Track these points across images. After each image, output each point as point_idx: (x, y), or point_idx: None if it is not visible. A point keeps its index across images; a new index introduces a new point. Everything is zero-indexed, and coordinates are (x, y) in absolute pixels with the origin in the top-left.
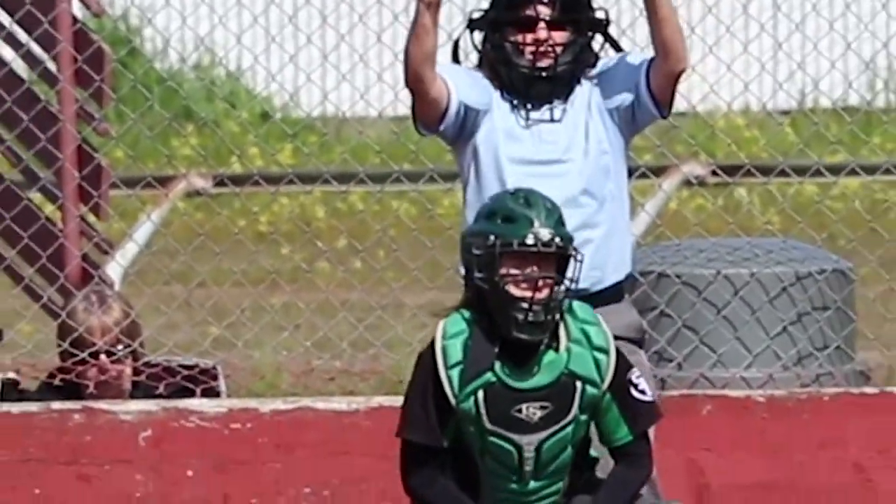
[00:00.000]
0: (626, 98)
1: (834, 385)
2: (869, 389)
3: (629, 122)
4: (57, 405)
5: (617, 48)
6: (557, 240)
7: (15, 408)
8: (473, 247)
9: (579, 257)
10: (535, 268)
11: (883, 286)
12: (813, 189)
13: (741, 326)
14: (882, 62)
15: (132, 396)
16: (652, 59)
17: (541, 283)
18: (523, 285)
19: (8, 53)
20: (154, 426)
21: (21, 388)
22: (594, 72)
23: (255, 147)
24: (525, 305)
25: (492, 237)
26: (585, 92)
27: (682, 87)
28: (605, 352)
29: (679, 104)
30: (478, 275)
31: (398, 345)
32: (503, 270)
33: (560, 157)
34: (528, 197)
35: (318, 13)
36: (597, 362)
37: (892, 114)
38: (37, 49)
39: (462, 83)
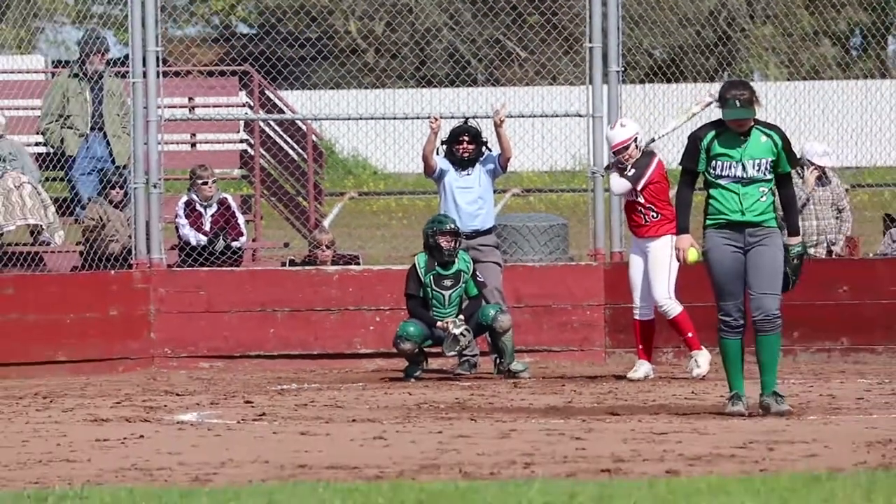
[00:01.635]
0: (491, 166)
1: (561, 262)
2: (572, 263)
3: (493, 175)
4: (307, 268)
5: (489, 149)
6: (453, 227)
7: (293, 268)
8: (429, 230)
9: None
10: (448, 237)
11: (577, 230)
12: (554, 197)
13: (531, 241)
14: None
15: (332, 264)
16: (499, 154)
17: (452, 241)
18: (444, 243)
19: (291, 151)
20: (339, 275)
21: (295, 262)
22: (482, 159)
23: (371, 182)
24: (448, 251)
25: (435, 226)
26: (480, 164)
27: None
28: (469, 262)
29: (511, 169)
30: (430, 240)
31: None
32: (440, 238)
33: (471, 185)
34: (445, 215)
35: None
36: (467, 266)
37: (581, 171)
38: (299, 150)
39: (440, 161)
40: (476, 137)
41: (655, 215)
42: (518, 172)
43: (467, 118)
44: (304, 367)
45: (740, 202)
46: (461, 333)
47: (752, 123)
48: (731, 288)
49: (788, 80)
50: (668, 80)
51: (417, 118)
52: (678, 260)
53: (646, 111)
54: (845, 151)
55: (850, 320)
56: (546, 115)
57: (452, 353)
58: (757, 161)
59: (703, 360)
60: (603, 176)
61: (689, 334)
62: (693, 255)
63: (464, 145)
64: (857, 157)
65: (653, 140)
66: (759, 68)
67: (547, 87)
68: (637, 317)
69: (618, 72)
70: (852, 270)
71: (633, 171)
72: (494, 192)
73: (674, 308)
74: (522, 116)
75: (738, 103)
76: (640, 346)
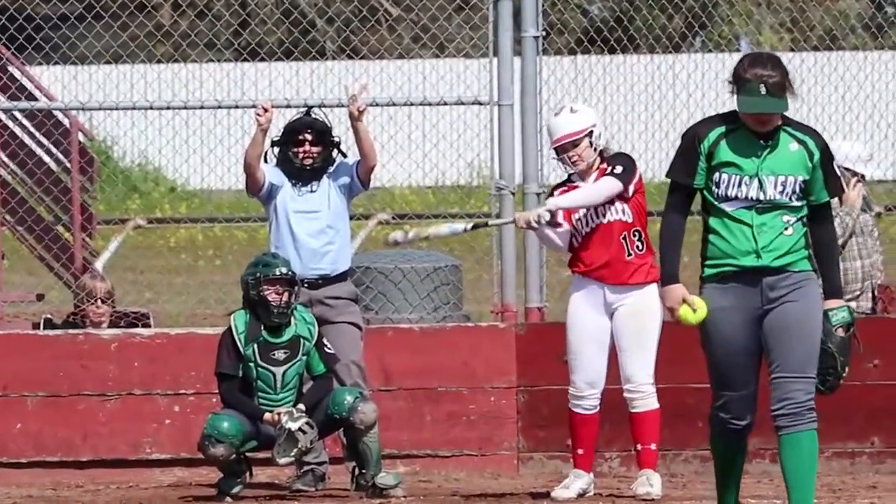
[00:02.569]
0: (346, 180)
1: (452, 321)
2: (469, 324)
3: (349, 192)
4: (71, 331)
5: (343, 154)
6: (287, 271)
7: (51, 332)
8: (251, 277)
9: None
10: (280, 287)
11: (476, 273)
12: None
13: (407, 293)
14: (476, 162)
15: (108, 327)
16: (359, 161)
17: (285, 292)
18: (274, 296)
19: (46, 157)
20: (118, 342)
21: (54, 323)
22: (332, 168)
23: (167, 204)
24: (279, 308)
25: (260, 271)
26: (330, 177)
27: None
28: (313, 325)
29: (375, 182)
30: (252, 292)
31: (236, 304)
32: (267, 289)
33: (317, 208)
34: (275, 254)
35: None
36: (309, 330)
37: (481, 188)
38: (59, 156)
39: (269, 172)
40: (323, 136)
41: (641, 247)
42: (388, 188)
43: (310, 107)
44: (67, 479)
45: (754, 238)
46: (300, 430)
47: (780, 122)
48: (737, 373)
49: (792, 50)
50: (613, 51)
51: (237, 107)
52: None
53: (579, 96)
54: (875, 156)
55: (883, 410)
56: (429, 104)
57: (288, 459)
58: (781, 179)
59: (656, 481)
60: (541, 193)
61: (654, 446)
62: (690, 312)
63: (305, 147)
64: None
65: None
66: (749, 33)
67: (430, 60)
68: (578, 408)
69: (536, 38)
70: (887, 335)
71: (618, 167)
72: (352, 217)
73: (653, 399)
74: (393, 105)
75: (763, 88)
76: (579, 451)
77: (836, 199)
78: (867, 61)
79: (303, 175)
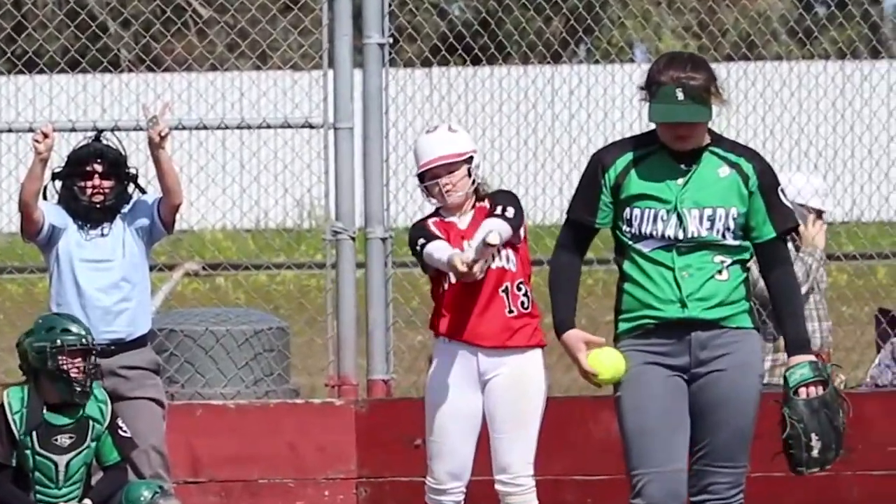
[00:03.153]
0: (145, 222)
1: (276, 397)
2: (299, 400)
3: (148, 237)
4: None
5: (142, 190)
6: (86, 338)
7: None
8: (40, 346)
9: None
10: (80, 359)
11: (307, 337)
12: (264, 278)
13: (220, 362)
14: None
15: None
16: (161, 198)
17: (85, 364)
18: (75, 370)
19: None
20: None
21: None
22: (127, 207)
23: None
24: (80, 383)
25: (55, 339)
26: (125, 218)
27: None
28: (105, 403)
29: (181, 225)
30: (49, 363)
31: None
32: (64, 361)
33: (108, 257)
34: (69, 315)
35: None
36: (101, 410)
37: (313, 231)
38: None
39: (50, 211)
40: (116, 167)
41: (527, 304)
42: (197, 232)
43: (100, 131)
44: None
45: (677, 284)
46: None
47: (708, 141)
48: (658, 446)
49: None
50: (477, 61)
51: (10, 131)
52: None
53: (435, 116)
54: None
55: None
56: (248, 127)
57: None
58: (708, 211)
59: None
60: (388, 238)
61: None
62: (600, 361)
63: (94, 181)
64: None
65: None
66: (646, 39)
67: (250, 72)
68: None
69: (381, 45)
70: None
71: (510, 210)
72: (153, 268)
73: (531, 495)
74: (204, 128)
75: (680, 92)
76: None
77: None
78: (792, 73)
79: (91, 215)
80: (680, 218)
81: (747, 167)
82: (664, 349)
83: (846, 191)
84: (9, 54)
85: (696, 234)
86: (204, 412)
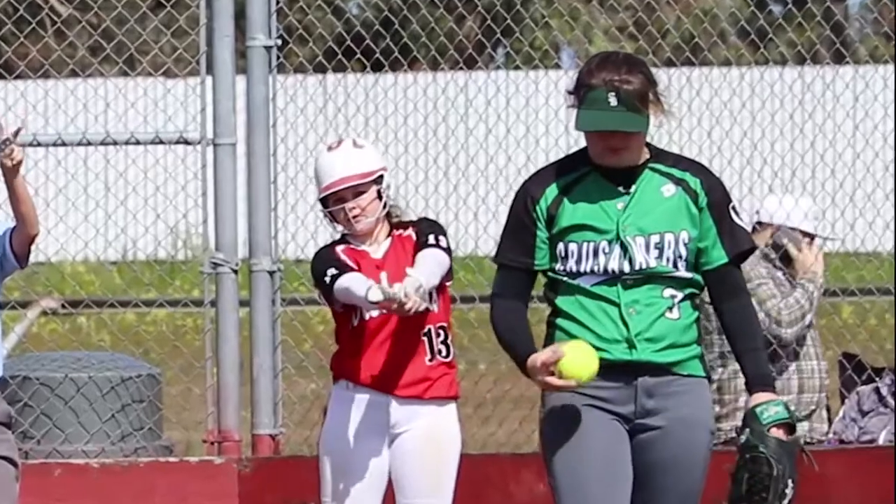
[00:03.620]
0: None
1: (147, 455)
2: (172, 459)
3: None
4: None
5: None
6: None
7: None
8: None
9: None
10: None
11: (182, 386)
12: (132, 317)
13: (82, 414)
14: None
15: None
16: (14, 227)
17: None
18: None
19: None
20: None
21: None
22: None
23: None
24: None
25: None
26: None
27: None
28: None
29: (37, 256)
30: None
31: None
32: None
33: None
34: None
35: None
36: None
37: (190, 264)
38: None
39: None
40: None
41: (446, 352)
42: (55, 264)
43: None
44: None
45: (623, 322)
46: None
47: (645, 156)
48: (595, 496)
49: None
50: (379, 66)
51: None
52: (551, 384)
53: (329, 132)
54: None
55: None
56: (113, 142)
57: None
58: (655, 238)
59: None
60: (276, 272)
61: None
62: (580, 366)
63: None
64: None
65: None
66: (574, 41)
67: (116, 79)
68: None
69: (269, 48)
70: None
71: (440, 238)
72: (4, 305)
73: None
74: (63, 144)
75: (612, 97)
76: None
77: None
78: (743, 81)
79: None
80: (624, 248)
81: (694, 182)
82: (606, 393)
83: (805, 216)
84: None
85: (644, 266)
86: (63, 472)
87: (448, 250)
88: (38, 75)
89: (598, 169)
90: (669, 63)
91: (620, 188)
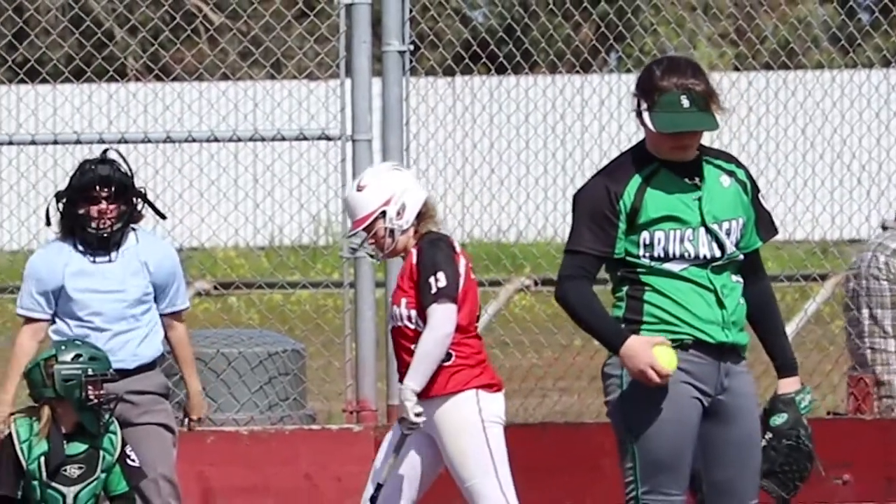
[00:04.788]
0: (155, 278)
1: (292, 423)
2: (315, 426)
3: (150, 285)
4: None
5: (154, 209)
6: (111, 369)
7: None
8: (63, 379)
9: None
10: (102, 388)
11: (323, 360)
12: (278, 297)
13: (233, 386)
14: (323, 215)
15: None
16: (169, 320)
17: (101, 391)
18: (96, 400)
19: None
20: None
21: None
22: (144, 240)
23: None
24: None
25: (88, 367)
26: (137, 243)
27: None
28: (116, 433)
29: (192, 242)
30: (77, 393)
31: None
32: (90, 389)
33: (115, 287)
34: (88, 343)
35: None
36: (111, 441)
37: (330, 249)
38: None
39: (44, 300)
40: (123, 190)
41: (447, 357)
42: (208, 249)
43: (105, 150)
44: None
45: (720, 305)
46: None
47: (699, 149)
48: (682, 471)
49: (737, 69)
50: (502, 70)
51: (10, 143)
52: (651, 378)
53: (457, 130)
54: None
55: None
56: (262, 139)
57: None
58: (726, 225)
59: None
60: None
61: None
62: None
63: (100, 207)
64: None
65: None
66: (679, 47)
67: (264, 82)
68: None
69: (402, 53)
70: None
71: (440, 276)
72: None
73: None
74: (216, 140)
75: (685, 100)
76: None
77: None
78: (834, 83)
79: (98, 243)
80: (713, 235)
81: (740, 173)
82: (695, 369)
83: (890, 206)
84: (10, 62)
85: (730, 252)
86: (215, 439)
87: (448, 288)
88: (192, 78)
89: (665, 164)
90: (767, 66)
91: (687, 180)
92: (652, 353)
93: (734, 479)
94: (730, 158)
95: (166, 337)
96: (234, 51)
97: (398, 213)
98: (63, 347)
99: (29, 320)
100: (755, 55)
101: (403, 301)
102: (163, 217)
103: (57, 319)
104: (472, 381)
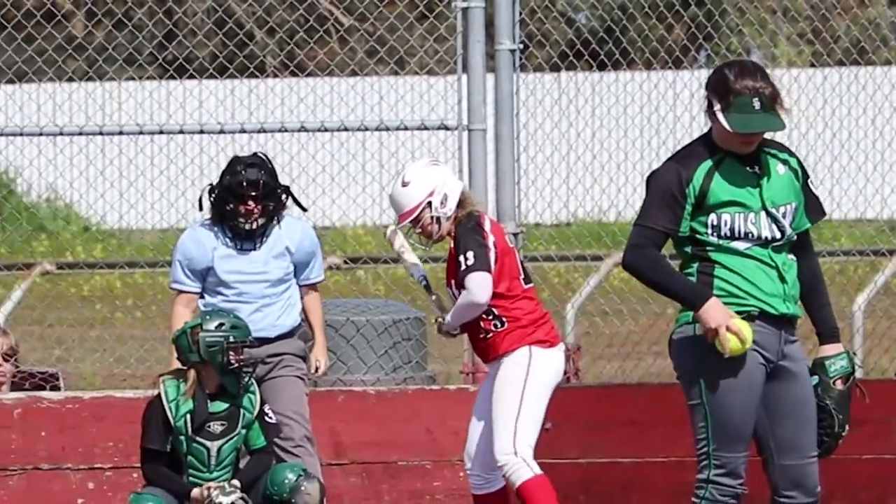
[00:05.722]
0: (296, 258)
1: (414, 384)
2: (435, 387)
3: (290, 263)
4: None
5: (297, 202)
6: (251, 337)
7: None
8: (207, 345)
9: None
10: (242, 353)
11: None
12: (402, 271)
13: (361, 350)
14: None
15: (11, 390)
16: (306, 290)
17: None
18: (237, 364)
19: None
20: (22, 407)
21: None
22: (291, 228)
23: (80, 246)
24: (245, 375)
25: (230, 335)
26: (275, 235)
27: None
28: (255, 393)
29: (324, 221)
30: (219, 358)
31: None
32: (231, 355)
33: (259, 269)
34: (230, 312)
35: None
36: (251, 400)
37: None
38: None
39: (193, 276)
40: (270, 192)
41: (500, 323)
42: (339, 228)
43: (254, 154)
44: None
45: (782, 280)
46: None
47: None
48: (749, 430)
49: (813, 65)
50: (603, 66)
51: (161, 133)
52: (723, 335)
53: (562, 121)
54: None
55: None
56: (386, 128)
57: None
58: (782, 209)
59: None
60: (519, 233)
61: None
62: (738, 342)
63: (248, 205)
64: None
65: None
66: (762, 46)
67: (388, 77)
68: (472, 488)
69: (512, 51)
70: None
71: (469, 255)
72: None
73: (520, 471)
74: (345, 129)
75: (757, 102)
76: None
77: None
78: None
79: (246, 234)
80: (773, 218)
81: (793, 162)
82: (761, 338)
83: None
84: (160, 60)
85: (788, 233)
86: (345, 398)
87: (475, 265)
88: (324, 74)
89: (729, 153)
90: (840, 63)
91: (749, 169)
92: (724, 316)
93: (797, 434)
94: (783, 148)
95: (303, 303)
96: (361, 49)
97: (442, 203)
98: (208, 317)
99: (181, 293)
100: (829, 53)
101: (453, 283)
102: (304, 210)
103: (206, 294)
104: (524, 339)
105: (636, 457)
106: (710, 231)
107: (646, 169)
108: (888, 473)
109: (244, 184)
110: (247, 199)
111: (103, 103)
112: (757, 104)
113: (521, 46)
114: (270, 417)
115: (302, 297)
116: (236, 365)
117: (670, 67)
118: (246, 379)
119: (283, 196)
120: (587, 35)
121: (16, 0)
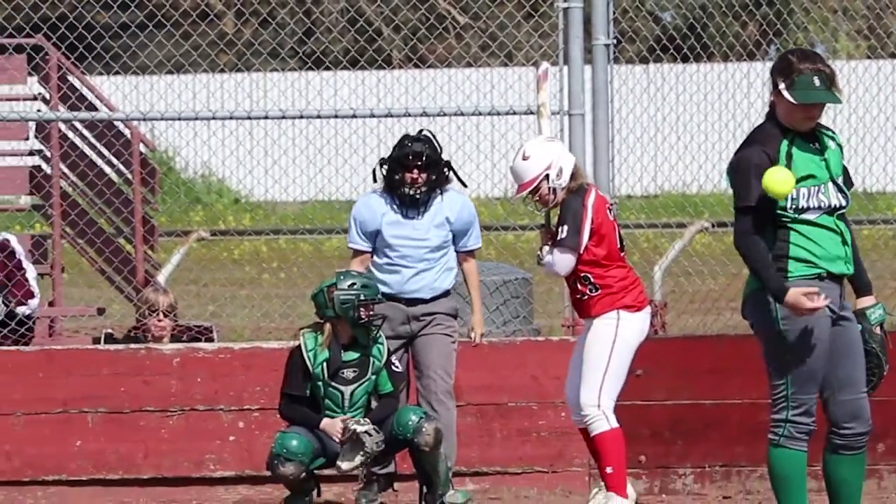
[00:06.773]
0: (455, 227)
1: (522, 336)
2: (540, 338)
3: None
4: (133, 346)
5: (457, 176)
6: (379, 295)
7: (112, 347)
8: (341, 302)
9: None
10: (372, 309)
11: (546, 287)
12: (511, 237)
13: None
14: None
15: (171, 342)
16: (463, 256)
17: (369, 310)
18: (367, 319)
19: (107, 168)
20: (181, 356)
21: (115, 337)
22: (452, 201)
23: (231, 216)
24: (375, 328)
25: (356, 297)
26: (437, 205)
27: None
28: (383, 344)
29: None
30: (351, 312)
31: (305, 317)
32: (362, 311)
33: (421, 236)
34: (362, 273)
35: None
36: (379, 350)
37: None
38: (120, 167)
39: (365, 236)
40: (432, 164)
41: (594, 289)
42: None
43: (420, 131)
44: (128, 498)
45: (843, 243)
46: (366, 433)
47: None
48: (819, 375)
49: (869, 58)
50: (686, 59)
51: (301, 117)
52: (806, 306)
53: (650, 106)
54: None
55: None
56: (497, 113)
57: (351, 464)
58: (840, 178)
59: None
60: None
61: (610, 469)
62: (784, 180)
63: (413, 175)
64: None
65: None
66: (825, 41)
67: (499, 69)
68: (576, 423)
69: (607, 46)
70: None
71: (564, 229)
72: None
73: (599, 422)
74: (461, 114)
75: (817, 80)
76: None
77: None
78: None
79: (410, 202)
80: (839, 188)
81: (838, 139)
82: (830, 295)
83: None
84: (300, 54)
85: (850, 201)
86: (462, 349)
87: (566, 239)
88: (443, 65)
89: (795, 133)
90: (892, 56)
91: (812, 145)
92: (800, 297)
93: (852, 371)
94: (828, 129)
95: (460, 269)
96: (475, 44)
97: (558, 175)
98: (342, 277)
99: (356, 253)
100: (883, 47)
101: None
102: (464, 185)
103: (375, 255)
104: (615, 304)
105: (716, 399)
106: (788, 203)
107: (723, 148)
108: None
109: (410, 156)
110: (412, 168)
111: (250, 91)
112: (817, 81)
113: (615, 41)
114: (397, 366)
115: (460, 264)
116: (366, 319)
117: (744, 60)
118: (375, 332)
119: (445, 169)
120: (672, 31)
121: (174, 1)
